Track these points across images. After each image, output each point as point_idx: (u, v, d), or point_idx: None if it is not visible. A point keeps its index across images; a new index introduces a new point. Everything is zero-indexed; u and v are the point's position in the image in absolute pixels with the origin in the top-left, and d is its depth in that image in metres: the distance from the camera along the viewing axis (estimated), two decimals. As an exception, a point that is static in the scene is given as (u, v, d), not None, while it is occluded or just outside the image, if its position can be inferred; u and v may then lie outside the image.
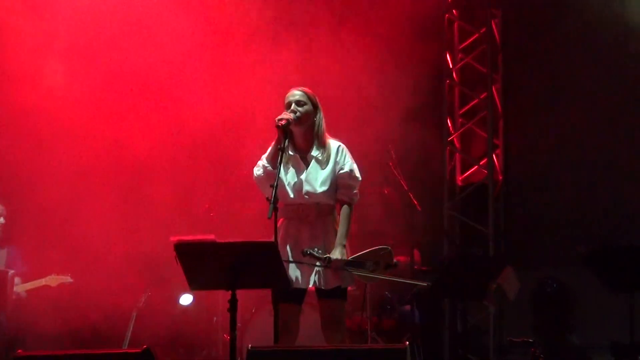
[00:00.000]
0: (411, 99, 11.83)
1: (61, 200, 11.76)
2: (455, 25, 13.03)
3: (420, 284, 10.63)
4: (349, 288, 9.00)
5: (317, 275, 8.62)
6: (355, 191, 8.86)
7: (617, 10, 12.03)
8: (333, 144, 8.88)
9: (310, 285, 8.65)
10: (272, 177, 8.56)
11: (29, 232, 11.67)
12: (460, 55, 13.02)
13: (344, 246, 8.65)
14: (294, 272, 8.57)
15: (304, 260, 8.49)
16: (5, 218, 11.38)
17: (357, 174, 8.86)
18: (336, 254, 8.52)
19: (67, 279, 11.11)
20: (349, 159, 8.84)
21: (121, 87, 12.49)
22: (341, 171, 8.78)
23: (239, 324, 8.12)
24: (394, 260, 8.89)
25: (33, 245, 11.53)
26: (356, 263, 8.62)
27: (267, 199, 8.44)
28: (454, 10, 12.94)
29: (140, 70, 12.31)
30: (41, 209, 11.70)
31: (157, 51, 12.35)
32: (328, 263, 8.47)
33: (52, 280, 11.05)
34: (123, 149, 11.86)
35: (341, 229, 8.69)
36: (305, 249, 8.47)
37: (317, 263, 8.48)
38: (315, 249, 8.45)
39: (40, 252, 11.51)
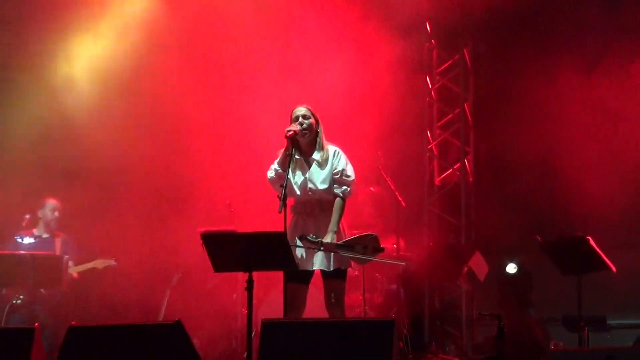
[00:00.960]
0: (397, 114, 11.84)
1: (105, 196, 11.76)
2: (434, 52, 13.01)
3: (400, 263, 10.75)
4: (351, 271, 9.07)
5: (322, 260, 8.67)
6: (346, 187, 8.84)
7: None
8: (331, 148, 8.93)
9: (316, 268, 8.72)
10: (282, 178, 8.62)
11: (79, 223, 11.60)
12: (437, 78, 12.98)
13: (335, 232, 8.63)
14: (301, 258, 8.60)
15: (306, 244, 8.55)
16: (59, 212, 11.35)
17: (350, 172, 8.88)
18: (327, 239, 8.54)
19: (112, 262, 11.08)
20: (343, 161, 8.87)
21: (159, 96, 12.34)
22: (335, 169, 8.84)
23: (254, 300, 8.15)
24: (381, 245, 8.96)
25: (83, 234, 11.49)
26: (346, 246, 8.64)
27: (278, 196, 8.49)
28: (432, 40, 12.92)
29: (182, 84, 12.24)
30: (89, 204, 11.64)
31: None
32: (321, 246, 8.52)
33: (99, 263, 11.02)
34: (158, 154, 11.76)
35: (333, 218, 8.71)
36: (301, 235, 8.54)
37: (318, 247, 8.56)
38: (311, 235, 8.51)
39: (88, 240, 11.46)
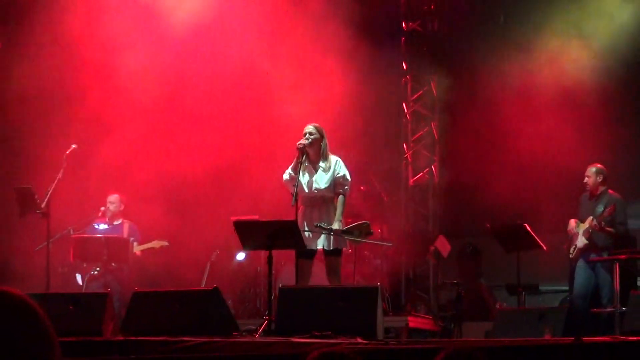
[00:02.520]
0: (381, 131, 11.84)
1: (158, 191, 11.45)
2: (409, 85, 12.90)
3: (387, 244, 10.78)
4: (345, 250, 9.10)
5: (324, 241, 8.70)
6: (346, 187, 8.95)
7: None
8: (333, 158, 8.97)
9: (319, 247, 8.73)
10: (294, 180, 8.66)
11: (139, 212, 11.56)
12: (411, 104, 12.87)
13: (341, 221, 8.73)
14: (307, 239, 8.61)
15: (316, 230, 8.58)
16: (124, 204, 11.26)
17: (348, 176, 8.95)
18: (335, 226, 8.64)
19: (165, 243, 11.04)
20: (343, 167, 8.92)
21: (195, 102, 12.09)
22: (337, 175, 8.85)
23: (273, 272, 8.18)
24: (371, 230, 9.04)
25: (144, 220, 11.41)
26: (348, 232, 8.75)
27: (291, 193, 8.55)
28: (407, 76, 12.80)
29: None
30: (147, 198, 11.55)
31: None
32: (331, 231, 8.57)
33: (156, 243, 10.94)
34: (206, 157, 11.59)
35: (338, 211, 8.81)
36: (316, 223, 8.58)
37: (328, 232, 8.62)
38: (323, 223, 8.57)
39: (148, 225, 11.40)
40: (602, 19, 11.77)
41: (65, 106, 11.75)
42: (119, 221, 11.13)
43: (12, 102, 12.35)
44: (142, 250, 10.94)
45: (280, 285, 7.84)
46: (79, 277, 10.81)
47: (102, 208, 11.08)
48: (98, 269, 10.65)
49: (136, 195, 11.49)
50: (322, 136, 8.97)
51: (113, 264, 10.69)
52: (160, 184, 11.49)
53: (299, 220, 8.58)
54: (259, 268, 10.89)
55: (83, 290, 10.21)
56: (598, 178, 9.95)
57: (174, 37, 11.97)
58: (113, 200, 11.12)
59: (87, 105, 11.76)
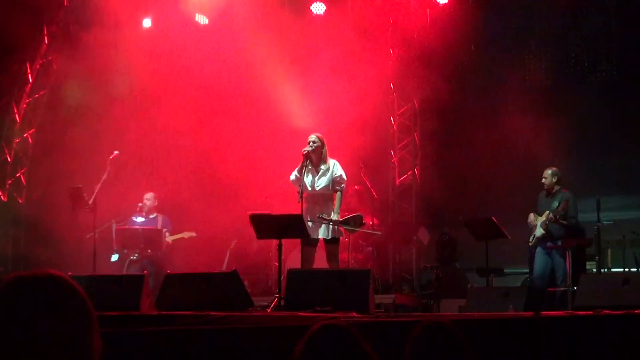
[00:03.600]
0: (373, 139, 11.78)
1: (187, 189, 11.59)
2: (395, 102, 12.87)
3: (377, 233, 10.77)
4: (342, 239, 9.09)
5: (324, 231, 8.69)
6: (343, 185, 8.99)
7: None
8: (331, 161, 8.98)
9: (320, 237, 8.71)
10: (299, 180, 8.69)
11: (170, 206, 11.56)
12: (397, 117, 12.85)
13: (338, 213, 8.77)
14: (310, 230, 8.60)
15: (318, 220, 8.60)
16: (157, 200, 11.24)
17: (344, 176, 8.96)
18: (334, 217, 8.68)
19: (193, 234, 11.04)
20: (340, 169, 8.93)
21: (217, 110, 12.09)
22: (335, 175, 8.86)
23: (282, 257, 8.16)
24: (364, 222, 9.06)
25: (174, 214, 11.41)
26: (344, 222, 8.77)
27: (297, 191, 8.56)
28: (394, 94, 12.77)
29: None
30: (178, 194, 11.59)
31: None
32: (330, 222, 8.57)
33: (185, 234, 10.92)
34: (226, 153, 11.65)
35: (336, 205, 8.85)
36: (318, 215, 8.59)
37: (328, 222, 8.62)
38: (324, 215, 8.57)
39: (178, 218, 11.42)
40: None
41: (108, 118, 11.81)
42: (154, 215, 11.13)
43: (67, 116, 12.41)
44: (173, 240, 10.96)
45: (288, 268, 7.80)
46: (114, 257, 10.78)
47: (140, 204, 11.10)
48: (136, 255, 10.68)
49: (170, 194, 11.55)
50: (322, 144, 8.98)
51: (149, 251, 10.70)
52: (190, 186, 11.51)
53: (304, 214, 8.57)
54: (270, 253, 10.89)
55: (124, 272, 10.23)
56: (553, 179, 10.02)
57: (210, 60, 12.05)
58: (149, 197, 11.13)
59: (123, 118, 11.84)
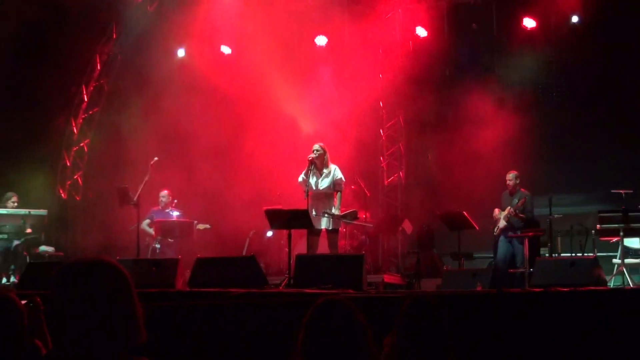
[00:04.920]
0: (366, 147, 11.81)
1: (215, 188, 11.45)
2: (384, 116, 12.81)
3: (369, 225, 10.74)
4: (341, 229, 9.11)
5: (326, 223, 8.69)
6: (342, 186, 8.99)
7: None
8: (332, 166, 9.00)
9: (323, 227, 8.71)
10: (306, 182, 8.69)
11: (203, 203, 11.44)
12: (386, 129, 12.80)
13: (339, 209, 8.76)
14: (315, 222, 8.61)
15: (323, 215, 8.63)
16: (171, 197, 11.04)
17: (343, 178, 9.01)
18: (336, 212, 8.74)
19: (208, 226, 10.92)
20: (339, 172, 8.96)
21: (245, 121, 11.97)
22: (336, 178, 8.89)
23: (292, 244, 8.16)
24: (358, 216, 9.08)
25: (192, 209, 11.35)
26: (343, 216, 8.79)
27: (304, 191, 8.57)
28: (383, 110, 12.70)
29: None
30: (208, 193, 11.56)
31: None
32: (332, 216, 8.57)
33: (201, 226, 10.71)
34: (245, 161, 11.59)
35: (337, 202, 8.89)
36: (323, 211, 8.59)
37: (328, 216, 8.61)
38: (328, 210, 8.58)
39: (209, 212, 11.38)
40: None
41: (149, 130, 11.82)
42: (169, 209, 10.98)
43: (115, 129, 12.43)
44: (201, 229, 10.88)
45: (296, 253, 7.79)
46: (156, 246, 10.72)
47: (175, 200, 11.05)
48: (172, 240, 10.61)
49: (203, 194, 11.49)
50: (325, 151, 8.99)
51: (169, 239, 10.55)
52: (218, 187, 11.47)
53: (309, 209, 8.59)
54: (282, 241, 10.87)
55: (163, 257, 10.20)
56: (516, 180, 10.02)
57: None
58: (164, 194, 10.97)
59: (162, 130, 11.85)
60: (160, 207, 10.96)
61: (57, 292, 2.01)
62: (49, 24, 10.86)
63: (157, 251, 10.43)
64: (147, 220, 10.74)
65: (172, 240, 10.55)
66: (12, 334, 2.19)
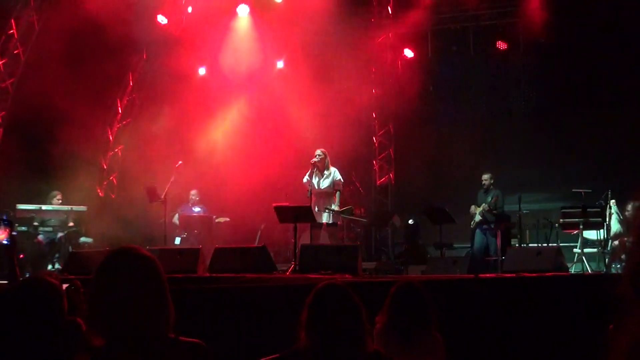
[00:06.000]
0: (360, 152, 11.80)
1: (231, 187, 11.43)
2: (376, 125, 12.80)
3: (363, 220, 10.72)
4: (340, 223, 9.09)
5: (327, 218, 8.68)
6: (341, 186, 8.95)
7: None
8: (332, 168, 8.97)
9: (324, 221, 8.70)
10: (309, 182, 8.69)
11: (221, 200, 11.48)
12: (379, 137, 12.83)
13: (338, 206, 8.71)
14: (317, 217, 8.60)
15: (325, 211, 8.61)
16: (199, 196, 11.10)
17: (341, 179, 8.96)
18: (335, 208, 8.68)
19: (227, 219, 10.96)
20: (338, 174, 8.93)
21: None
22: (335, 179, 8.85)
23: (297, 236, 8.15)
24: (354, 212, 9.05)
25: (225, 205, 11.35)
26: (341, 212, 8.78)
27: (308, 190, 8.55)
28: (376, 120, 12.70)
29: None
30: (226, 192, 11.50)
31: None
32: (333, 211, 8.55)
33: (221, 219, 10.82)
34: (259, 164, 11.55)
35: (337, 200, 8.82)
36: (326, 206, 8.57)
37: (330, 212, 8.59)
38: (328, 207, 8.56)
39: (226, 207, 11.36)
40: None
41: (175, 138, 11.86)
42: (197, 206, 11.02)
43: (145, 136, 12.43)
44: (219, 222, 10.89)
45: (301, 243, 7.79)
46: (177, 240, 10.61)
47: (197, 197, 11.08)
48: (196, 231, 10.60)
49: (223, 192, 11.47)
50: (326, 156, 8.97)
51: (195, 231, 10.57)
52: (234, 187, 11.44)
53: (312, 206, 8.57)
54: (288, 233, 10.82)
55: (186, 247, 10.20)
56: (490, 181, 10.05)
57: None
58: (194, 193, 11.04)
59: (187, 137, 11.87)
60: (190, 204, 10.97)
61: (101, 274, 2.04)
62: (89, 46, 10.89)
63: (195, 242, 10.47)
64: (177, 215, 10.76)
65: (197, 232, 10.56)
66: (53, 312, 2.21)
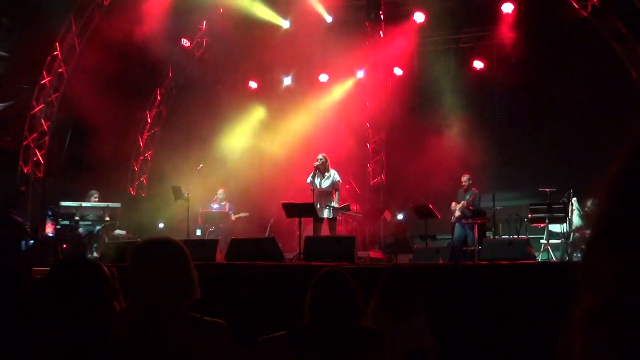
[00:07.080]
0: (356, 156, 11.75)
1: (246, 186, 11.38)
2: (370, 133, 12.74)
3: (358, 215, 10.68)
4: (338, 218, 9.06)
5: (328, 213, 8.65)
6: (339, 186, 8.91)
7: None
8: (332, 170, 8.94)
9: (325, 216, 8.68)
10: (312, 183, 8.66)
11: (239, 197, 11.39)
12: (372, 143, 12.72)
13: (337, 203, 8.68)
14: (319, 212, 8.58)
15: (326, 207, 8.56)
16: (226, 194, 11.17)
17: (340, 180, 8.92)
18: (335, 205, 8.61)
19: (247, 214, 10.98)
20: (337, 176, 8.89)
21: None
22: (335, 180, 8.83)
23: (302, 228, 8.13)
24: (350, 208, 9.01)
25: (240, 201, 11.29)
26: (340, 208, 8.72)
27: (311, 189, 8.53)
28: (370, 129, 12.60)
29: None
30: (242, 190, 11.50)
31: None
32: (332, 208, 8.53)
33: (242, 214, 10.82)
34: (270, 167, 11.53)
35: (336, 198, 8.78)
36: (327, 204, 8.54)
37: (331, 208, 8.55)
38: (329, 204, 8.53)
39: (242, 204, 11.32)
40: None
41: (196, 144, 11.87)
42: (224, 203, 11.10)
43: (170, 143, 12.45)
44: (236, 217, 10.92)
45: (305, 235, 7.78)
46: (198, 232, 10.67)
47: (216, 196, 11.09)
48: (212, 228, 10.63)
49: (240, 191, 11.47)
50: (326, 159, 8.96)
51: (221, 225, 10.66)
52: (249, 186, 11.43)
53: (315, 203, 8.57)
54: (294, 226, 10.83)
55: (205, 238, 10.21)
56: (469, 181, 10.06)
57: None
58: (220, 192, 11.10)
59: (207, 142, 11.87)
60: (217, 202, 10.96)
61: (136, 260, 2.04)
62: (123, 65, 10.92)
63: (214, 235, 10.47)
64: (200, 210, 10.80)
65: (220, 226, 10.57)
66: (105, 293, 2.17)
